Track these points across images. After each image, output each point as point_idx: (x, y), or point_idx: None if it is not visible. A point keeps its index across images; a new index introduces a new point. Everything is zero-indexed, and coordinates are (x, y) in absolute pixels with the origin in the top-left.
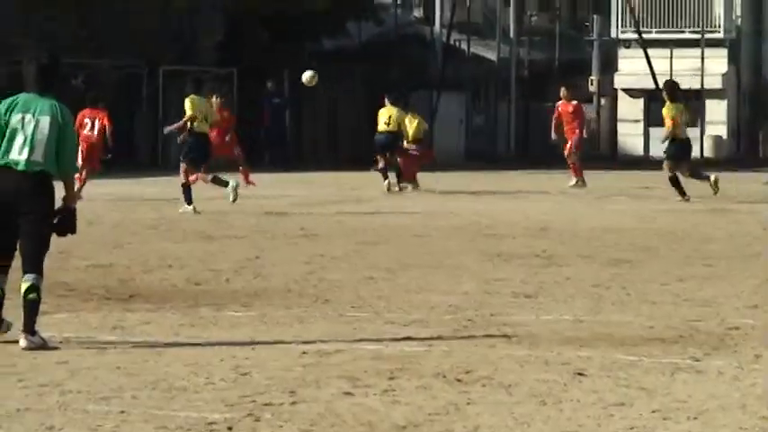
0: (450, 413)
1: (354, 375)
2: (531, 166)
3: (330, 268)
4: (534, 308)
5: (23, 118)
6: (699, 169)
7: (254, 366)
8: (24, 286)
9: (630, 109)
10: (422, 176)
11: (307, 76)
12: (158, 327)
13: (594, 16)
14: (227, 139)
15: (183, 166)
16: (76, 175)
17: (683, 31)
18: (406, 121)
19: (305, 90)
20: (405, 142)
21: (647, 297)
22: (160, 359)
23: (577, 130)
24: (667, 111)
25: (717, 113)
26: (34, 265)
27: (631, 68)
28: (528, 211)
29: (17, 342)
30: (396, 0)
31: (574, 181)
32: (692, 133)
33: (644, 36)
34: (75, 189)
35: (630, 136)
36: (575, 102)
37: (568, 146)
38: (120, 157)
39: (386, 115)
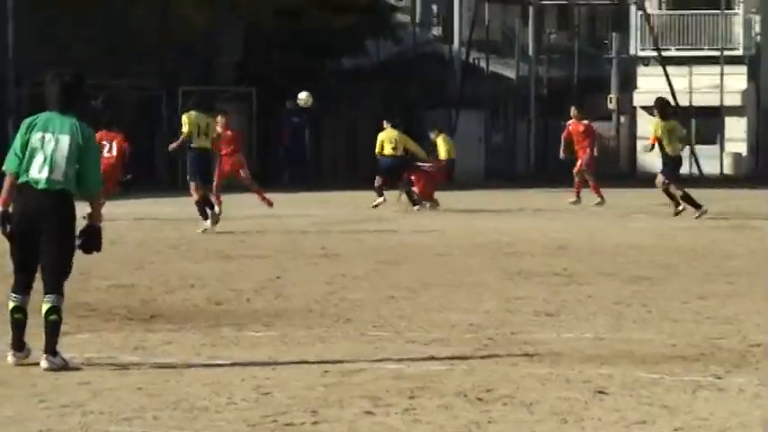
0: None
1: (376, 395)
2: (550, 184)
3: (351, 288)
4: (555, 326)
5: (44, 137)
6: (672, 190)
7: (276, 386)
8: (45, 307)
9: (650, 126)
10: (441, 195)
11: (302, 96)
12: (180, 347)
13: (613, 34)
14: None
15: (192, 184)
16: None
17: (701, 49)
18: (439, 140)
19: (324, 109)
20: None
21: (669, 315)
22: (182, 379)
23: (588, 150)
24: (654, 127)
25: (736, 130)
26: (55, 285)
27: (650, 86)
28: (548, 228)
29: (38, 363)
30: (414, 18)
31: (574, 198)
32: (711, 151)
33: (663, 53)
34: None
35: (649, 154)
36: (585, 121)
37: (578, 164)
38: (140, 177)
39: (391, 139)
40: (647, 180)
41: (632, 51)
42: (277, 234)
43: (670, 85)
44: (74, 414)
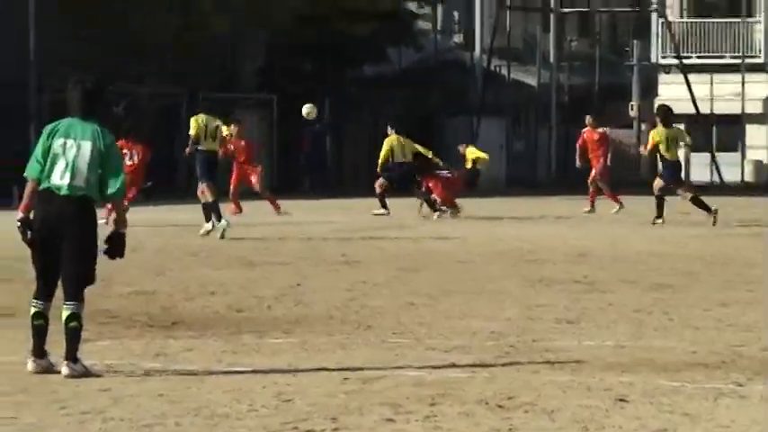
0: None
1: (396, 402)
2: (571, 192)
3: (371, 295)
4: (576, 333)
5: (65, 143)
6: (663, 201)
7: (297, 393)
8: (65, 314)
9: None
10: (462, 202)
11: (306, 108)
12: (201, 354)
13: (634, 41)
14: (246, 168)
15: (202, 185)
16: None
17: (723, 56)
18: (470, 150)
19: (345, 116)
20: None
21: (690, 322)
22: (202, 386)
23: (602, 158)
24: (653, 133)
25: (757, 138)
26: (75, 292)
27: (672, 93)
28: (569, 236)
29: (59, 370)
30: (436, 26)
31: (589, 207)
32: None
33: (684, 61)
34: (112, 217)
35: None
36: (600, 129)
37: (592, 174)
38: (160, 184)
39: (400, 145)
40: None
41: (653, 59)
42: (298, 241)
43: (691, 92)
44: (94, 421)
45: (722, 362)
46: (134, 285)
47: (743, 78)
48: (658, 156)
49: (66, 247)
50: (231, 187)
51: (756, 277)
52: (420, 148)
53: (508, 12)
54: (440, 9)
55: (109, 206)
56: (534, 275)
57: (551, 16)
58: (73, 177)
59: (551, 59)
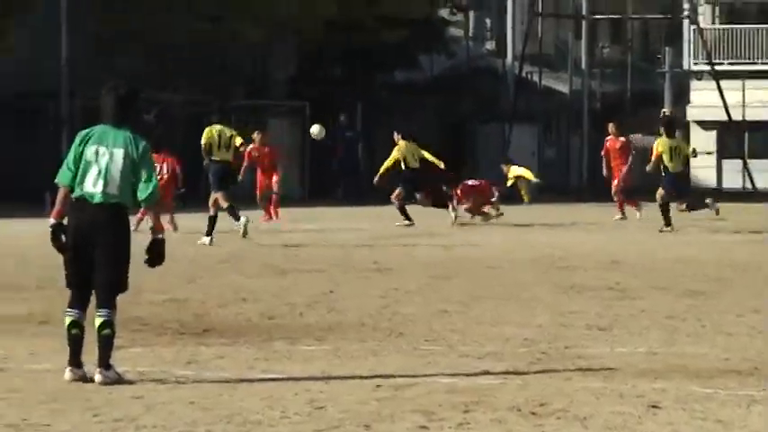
0: None
1: (429, 409)
2: (603, 199)
3: (404, 302)
4: (609, 340)
5: (98, 150)
6: (697, 203)
7: (329, 400)
8: (98, 322)
9: (703, 141)
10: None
11: (314, 130)
12: (233, 361)
13: (666, 48)
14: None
15: (217, 195)
16: (138, 214)
17: (755, 63)
18: (512, 169)
19: (377, 123)
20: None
21: (722, 329)
22: (235, 393)
23: (623, 167)
24: (657, 144)
25: None
26: (108, 299)
27: (704, 100)
28: (600, 243)
29: (92, 378)
30: (468, 33)
31: (619, 215)
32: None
33: (716, 68)
34: (138, 225)
35: (703, 168)
36: (622, 138)
37: (615, 183)
38: (192, 191)
39: (410, 152)
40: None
41: (685, 65)
42: (330, 248)
43: (723, 99)
44: (127, 428)
45: (755, 368)
46: (166, 293)
47: None
48: (661, 166)
49: (99, 255)
50: (258, 195)
51: None
52: (427, 155)
53: (540, 18)
54: (472, 16)
55: (139, 214)
56: (566, 282)
57: (583, 23)
58: (106, 185)
59: (583, 66)
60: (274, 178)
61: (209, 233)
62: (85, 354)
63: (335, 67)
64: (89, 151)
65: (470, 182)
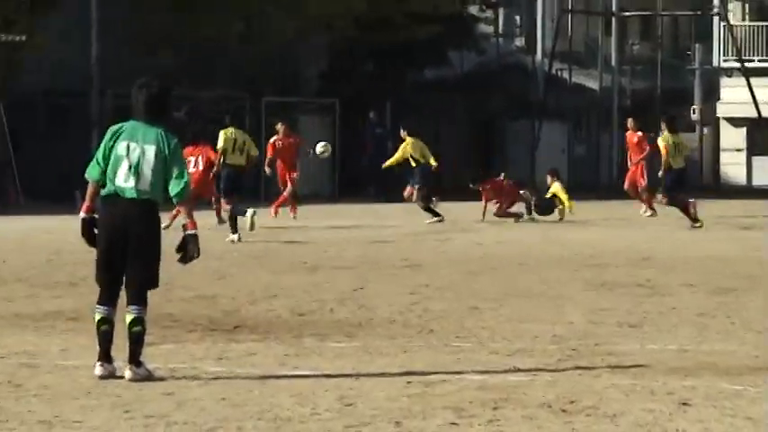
0: None
1: (459, 406)
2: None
3: (434, 298)
4: (639, 337)
5: (129, 146)
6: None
7: (359, 397)
8: (129, 318)
9: (733, 138)
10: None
11: (320, 147)
12: (263, 357)
13: (696, 45)
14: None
15: (224, 200)
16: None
17: None
18: (555, 185)
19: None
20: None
21: (752, 326)
22: (265, 390)
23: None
24: (662, 140)
25: None
26: (138, 296)
27: (734, 97)
28: (631, 240)
29: (122, 376)
30: (498, 29)
31: (649, 212)
32: None
33: (746, 64)
34: (169, 223)
35: (733, 165)
36: (639, 133)
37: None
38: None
39: (417, 147)
40: (730, 191)
41: (715, 62)
42: (359, 245)
43: (753, 96)
44: (158, 425)
45: None
46: (196, 289)
47: None
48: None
49: (131, 251)
50: (282, 185)
51: None
52: (427, 155)
53: (570, 15)
54: (502, 12)
55: (173, 211)
56: (597, 279)
57: (613, 20)
58: (138, 180)
59: (613, 63)
60: (291, 182)
61: (234, 230)
62: (116, 350)
63: (366, 64)
64: (120, 146)
65: (497, 179)
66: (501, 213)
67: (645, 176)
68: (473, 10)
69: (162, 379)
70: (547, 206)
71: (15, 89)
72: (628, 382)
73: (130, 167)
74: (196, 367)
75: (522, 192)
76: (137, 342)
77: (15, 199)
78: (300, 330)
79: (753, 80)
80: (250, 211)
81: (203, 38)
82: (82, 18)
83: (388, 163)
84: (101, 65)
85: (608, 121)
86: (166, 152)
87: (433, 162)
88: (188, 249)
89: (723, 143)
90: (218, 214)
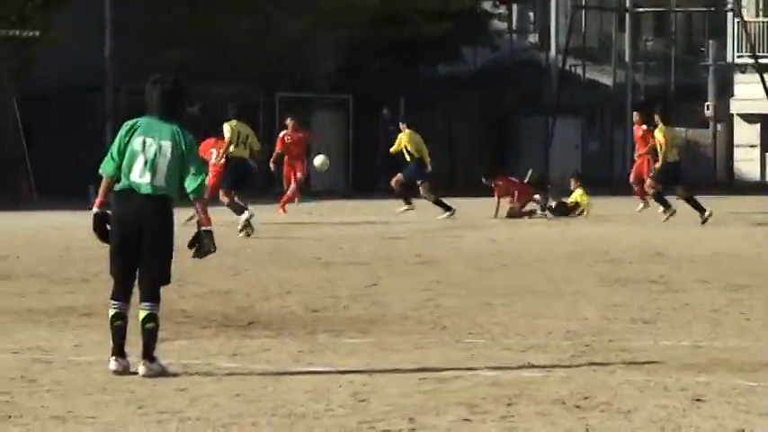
0: None
1: (473, 402)
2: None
3: (447, 295)
4: (653, 333)
5: (145, 141)
6: (693, 199)
7: (373, 393)
8: (142, 315)
9: (747, 134)
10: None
11: (318, 160)
12: (277, 353)
13: (710, 41)
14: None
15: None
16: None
17: None
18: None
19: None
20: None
21: (766, 322)
22: (279, 386)
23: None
24: (659, 132)
25: None
26: (152, 292)
27: (747, 93)
28: (644, 236)
29: (136, 372)
30: (511, 26)
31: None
32: None
33: (760, 61)
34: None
35: (746, 161)
36: (644, 126)
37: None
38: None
39: (412, 141)
40: (743, 188)
41: (729, 58)
42: (373, 241)
43: (767, 92)
44: (171, 420)
45: None
46: (210, 285)
47: None
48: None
49: (144, 247)
50: (286, 183)
51: None
52: (424, 154)
53: (583, 11)
54: (515, 9)
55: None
56: (610, 275)
57: (627, 15)
58: (153, 176)
59: (626, 59)
60: (299, 174)
61: (241, 212)
62: (129, 346)
63: (379, 61)
64: (136, 142)
65: (513, 178)
66: (515, 214)
67: (644, 171)
68: (486, 6)
69: (176, 375)
70: (563, 212)
71: (29, 85)
72: (641, 379)
73: (146, 163)
74: (210, 363)
75: (535, 196)
76: (150, 338)
77: (29, 195)
78: (314, 327)
79: (766, 76)
80: (246, 215)
81: (217, 34)
82: (96, 14)
83: (392, 150)
84: (114, 61)
85: (621, 117)
86: (183, 148)
87: (427, 158)
88: (203, 245)
89: (737, 139)
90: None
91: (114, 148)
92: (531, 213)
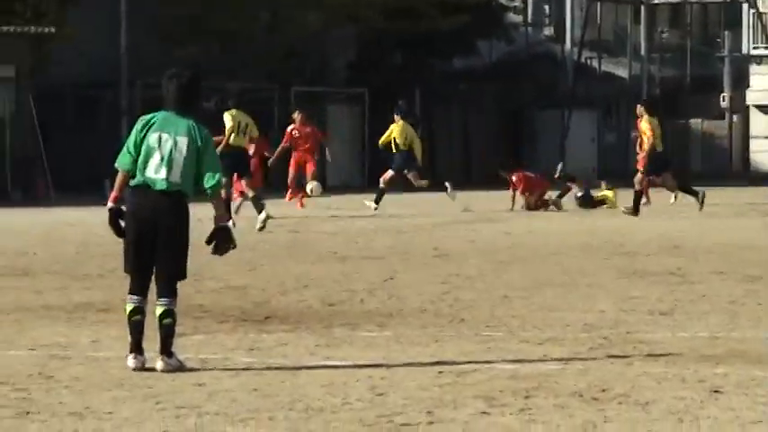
0: (588, 431)
1: (491, 395)
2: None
3: (465, 288)
4: (670, 325)
5: (161, 137)
6: (691, 189)
7: (391, 386)
8: (159, 311)
9: (763, 125)
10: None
11: (310, 185)
12: (294, 348)
13: (726, 32)
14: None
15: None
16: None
17: None
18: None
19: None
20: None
21: None
22: (296, 380)
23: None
24: (647, 123)
25: None
26: (168, 287)
27: (763, 84)
28: (661, 228)
29: (154, 368)
30: (526, 19)
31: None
32: None
33: None
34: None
35: (762, 152)
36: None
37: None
38: None
39: (403, 132)
40: (759, 179)
41: (745, 50)
42: (389, 235)
43: None
44: (189, 415)
45: None
46: (227, 280)
47: None
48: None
49: (160, 243)
50: (290, 175)
51: None
52: (417, 147)
53: (599, 4)
54: (530, 1)
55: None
56: (627, 267)
57: (642, 8)
58: (169, 172)
59: (642, 51)
60: (309, 168)
61: (260, 211)
62: (146, 341)
63: (394, 54)
64: (152, 137)
65: (527, 172)
66: (532, 207)
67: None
68: None
69: (193, 370)
70: (587, 203)
71: (44, 81)
72: (659, 370)
73: (162, 159)
74: (227, 358)
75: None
76: (168, 333)
77: (45, 192)
78: (331, 320)
79: None
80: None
81: (231, 29)
82: (111, 9)
83: (382, 139)
84: (130, 56)
85: None
86: (199, 143)
87: (418, 152)
88: (222, 241)
89: (752, 130)
90: (255, 202)
91: (131, 143)
92: (548, 204)
